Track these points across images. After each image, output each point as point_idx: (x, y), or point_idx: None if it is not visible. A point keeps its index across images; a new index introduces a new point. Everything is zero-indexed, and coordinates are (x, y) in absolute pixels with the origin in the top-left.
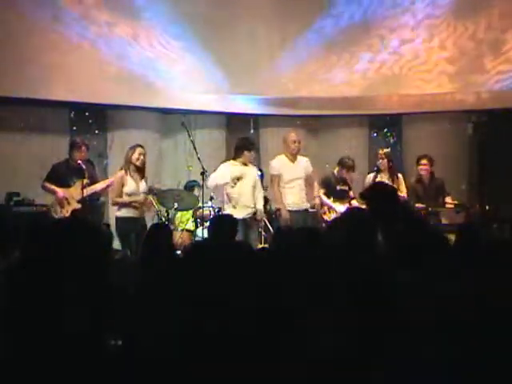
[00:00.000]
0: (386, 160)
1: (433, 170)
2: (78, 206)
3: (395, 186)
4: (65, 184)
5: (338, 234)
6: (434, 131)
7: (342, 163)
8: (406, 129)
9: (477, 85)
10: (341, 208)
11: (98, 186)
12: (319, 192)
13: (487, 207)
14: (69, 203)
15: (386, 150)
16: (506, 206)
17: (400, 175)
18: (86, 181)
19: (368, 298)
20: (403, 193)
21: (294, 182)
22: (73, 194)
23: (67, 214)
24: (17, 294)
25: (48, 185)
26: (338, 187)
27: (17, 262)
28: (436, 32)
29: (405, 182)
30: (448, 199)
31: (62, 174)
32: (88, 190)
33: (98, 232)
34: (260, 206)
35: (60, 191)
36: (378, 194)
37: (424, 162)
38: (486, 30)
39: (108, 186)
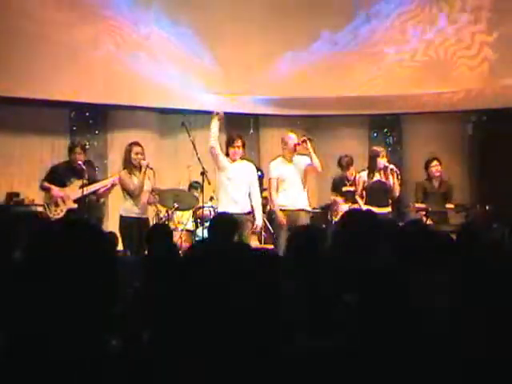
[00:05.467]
0: (385, 159)
1: (441, 171)
2: (74, 205)
3: (389, 182)
4: (62, 184)
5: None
6: (434, 131)
7: (338, 164)
8: (405, 129)
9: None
10: (345, 209)
11: (99, 185)
12: (331, 195)
13: (487, 207)
14: (64, 202)
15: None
16: (506, 206)
17: (388, 171)
18: (84, 181)
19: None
20: (397, 190)
21: (291, 182)
22: (69, 194)
23: (61, 214)
24: (18, 294)
25: (45, 184)
26: (344, 189)
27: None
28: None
29: (399, 180)
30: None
31: (60, 175)
32: (88, 189)
33: (99, 231)
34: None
35: (55, 189)
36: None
37: (436, 163)
38: None
39: (113, 186)
